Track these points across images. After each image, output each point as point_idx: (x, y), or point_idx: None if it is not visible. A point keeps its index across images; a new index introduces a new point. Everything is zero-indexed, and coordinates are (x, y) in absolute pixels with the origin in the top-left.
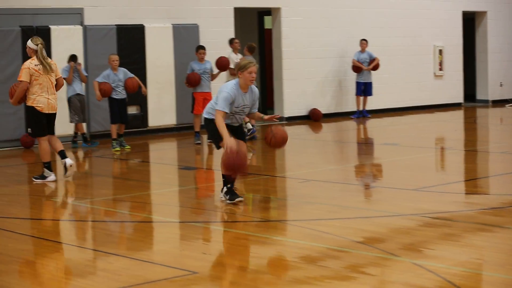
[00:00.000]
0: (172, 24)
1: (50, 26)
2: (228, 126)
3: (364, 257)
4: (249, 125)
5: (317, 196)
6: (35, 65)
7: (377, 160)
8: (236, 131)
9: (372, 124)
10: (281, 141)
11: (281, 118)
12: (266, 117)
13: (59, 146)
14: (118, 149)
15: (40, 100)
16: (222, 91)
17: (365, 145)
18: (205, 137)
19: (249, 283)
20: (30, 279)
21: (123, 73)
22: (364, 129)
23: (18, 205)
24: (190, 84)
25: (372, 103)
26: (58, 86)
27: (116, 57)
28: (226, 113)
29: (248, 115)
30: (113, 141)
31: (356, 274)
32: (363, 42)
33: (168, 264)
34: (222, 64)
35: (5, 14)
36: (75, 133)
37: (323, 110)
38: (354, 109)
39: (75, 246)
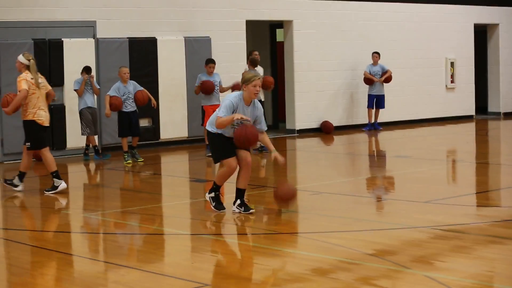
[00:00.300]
0: (184, 37)
1: (62, 39)
2: (229, 138)
3: (376, 270)
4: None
5: (329, 209)
6: (31, 78)
7: (389, 173)
8: None
9: (384, 136)
10: (287, 194)
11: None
12: (273, 154)
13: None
14: (130, 161)
15: (40, 113)
16: (225, 100)
17: (377, 158)
18: None
19: None
20: None
21: (132, 86)
22: (375, 142)
23: (29, 217)
24: (205, 91)
25: (384, 115)
26: (49, 99)
27: (127, 70)
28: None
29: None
30: (125, 154)
31: (367, 286)
32: (375, 55)
33: (179, 276)
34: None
35: (18, 27)
36: (87, 145)
37: (335, 122)
38: (366, 121)
39: (87, 258)
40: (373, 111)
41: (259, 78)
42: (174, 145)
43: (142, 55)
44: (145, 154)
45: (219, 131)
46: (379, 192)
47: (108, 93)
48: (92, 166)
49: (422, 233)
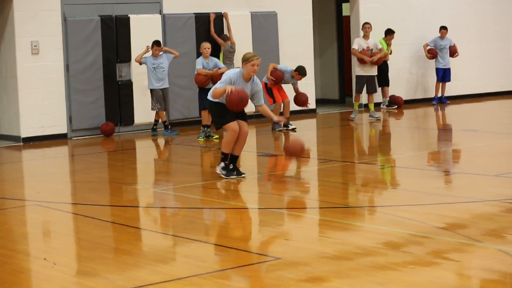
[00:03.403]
0: (250, 12)
1: (129, 15)
2: (230, 111)
3: (447, 243)
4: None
5: (397, 182)
6: None
7: (457, 146)
8: (237, 115)
9: (451, 110)
10: (298, 149)
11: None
12: (275, 118)
13: None
14: (201, 139)
15: None
16: (225, 74)
17: (445, 131)
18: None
19: (332, 268)
20: (113, 265)
21: (214, 63)
22: (443, 115)
23: (99, 192)
24: (276, 82)
25: (451, 89)
26: None
27: (208, 45)
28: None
29: (256, 107)
30: (202, 127)
31: (439, 259)
32: (444, 31)
33: (251, 250)
34: (301, 101)
35: (85, 4)
36: (156, 121)
37: (402, 96)
38: (432, 95)
39: (157, 232)
40: (440, 84)
41: (257, 58)
42: None
43: (208, 31)
44: (212, 129)
45: (218, 100)
46: (448, 166)
47: (197, 68)
48: (161, 141)
49: (492, 207)
